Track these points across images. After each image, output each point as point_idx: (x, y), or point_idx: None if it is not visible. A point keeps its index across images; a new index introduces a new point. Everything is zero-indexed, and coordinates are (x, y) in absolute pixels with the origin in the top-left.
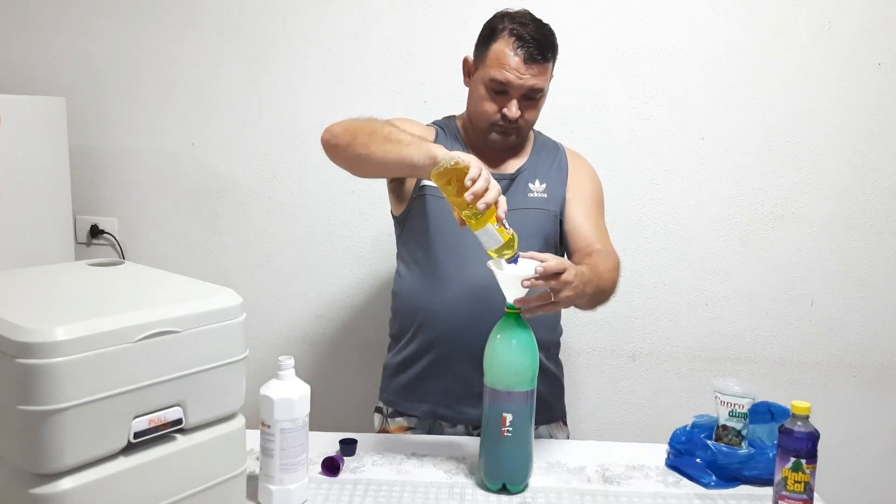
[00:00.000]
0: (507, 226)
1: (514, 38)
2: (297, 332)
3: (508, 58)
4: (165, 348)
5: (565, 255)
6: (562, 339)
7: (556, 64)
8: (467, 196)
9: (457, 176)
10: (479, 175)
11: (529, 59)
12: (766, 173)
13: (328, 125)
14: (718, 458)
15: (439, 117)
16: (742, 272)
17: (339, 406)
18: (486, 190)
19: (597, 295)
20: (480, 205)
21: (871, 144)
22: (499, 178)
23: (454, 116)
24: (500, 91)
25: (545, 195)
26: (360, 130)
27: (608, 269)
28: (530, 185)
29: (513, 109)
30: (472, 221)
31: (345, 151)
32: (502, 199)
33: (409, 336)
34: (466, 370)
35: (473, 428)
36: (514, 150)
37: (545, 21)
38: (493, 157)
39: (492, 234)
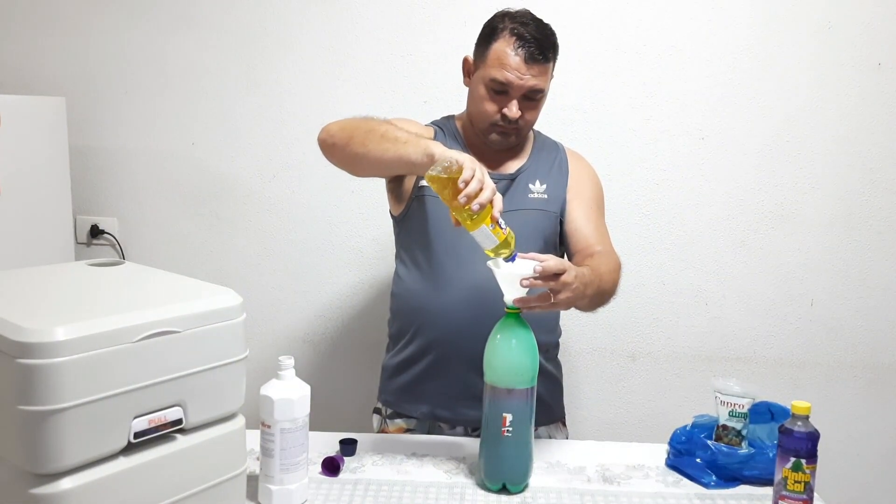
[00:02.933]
0: (503, 225)
1: (514, 38)
2: (297, 332)
3: (509, 57)
4: (165, 348)
5: (565, 257)
6: (561, 340)
7: (556, 63)
8: (461, 198)
9: (451, 178)
10: (473, 177)
11: (530, 59)
12: (766, 173)
13: (325, 125)
14: (718, 457)
15: (438, 117)
16: (742, 272)
17: (338, 406)
18: (480, 191)
19: (597, 297)
20: (474, 206)
21: (871, 144)
22: (498, 179)
23: (453, 116)
24: (500, 91)
25: (545, 196)
26: (357, 129)
27: (609, 271)
28: (530, 186)
29: (513, 110)
30: (468, 222)
31: (342, 151)
32: (497, 199)
33: (408, 337)
34: (465, 372)
35: (472, 430)
36: (514, 151)
37: (545, 21)
38: (492, 158)
39: (487, 234)
